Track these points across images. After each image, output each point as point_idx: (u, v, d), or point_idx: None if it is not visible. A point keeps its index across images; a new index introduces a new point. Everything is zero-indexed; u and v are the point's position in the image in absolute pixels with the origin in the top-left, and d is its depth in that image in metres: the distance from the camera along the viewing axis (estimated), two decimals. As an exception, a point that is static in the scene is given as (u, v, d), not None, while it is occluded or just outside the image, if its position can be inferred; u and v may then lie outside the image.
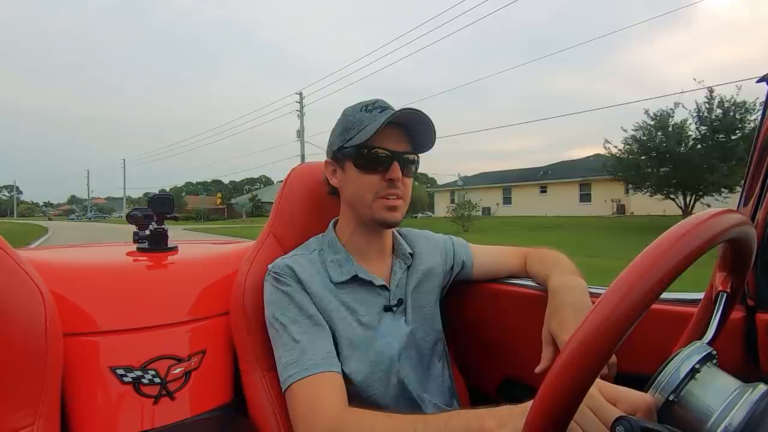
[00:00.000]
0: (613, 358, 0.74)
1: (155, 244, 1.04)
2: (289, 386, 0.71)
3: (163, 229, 1.05)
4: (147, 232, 1.05)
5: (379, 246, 0.88)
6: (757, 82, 0.65)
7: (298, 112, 28.03)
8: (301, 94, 28.36)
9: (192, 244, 1.24)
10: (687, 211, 15.59)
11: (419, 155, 0.85)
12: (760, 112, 0.69)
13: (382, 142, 0.78)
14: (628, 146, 16.39)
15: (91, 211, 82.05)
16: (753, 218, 0.68)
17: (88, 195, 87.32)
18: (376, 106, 0.81)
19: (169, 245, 1.06)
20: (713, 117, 14.33)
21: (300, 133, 27.36)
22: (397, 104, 0.83)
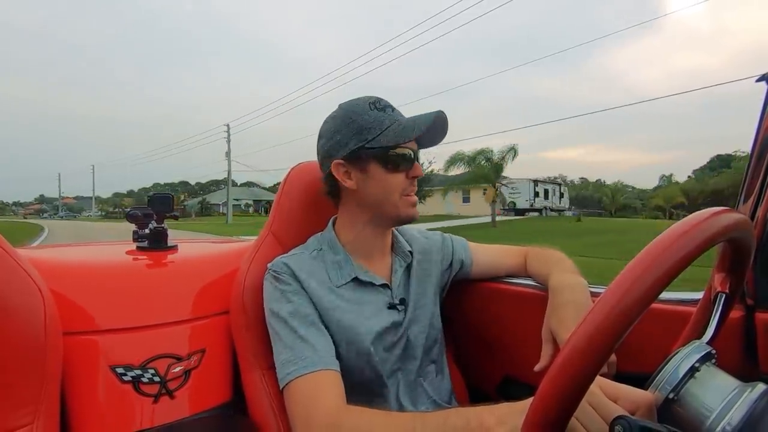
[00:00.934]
0: (613, 357, 0.74)
1: (155, 242, 1.04)
2: (287, 384, 0.71)
3: (162, 227, 1.05)
4: (147, 231, 1.05)
5: (382, 245, 0.88)
6: (757, 81, 0.65)
7: (226, 140, 36.62)
8: (228, 125, 36.99)
9: (192, 243, 1.24)
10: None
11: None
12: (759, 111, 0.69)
13: (407, 144, 0.80)
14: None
15: (62, 211, 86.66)
16: (752, 217, 0.68)
17: (59, 195, 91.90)
18: (384, 105, 0.81)
19: (169, 244, 1.06)
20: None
21: (227, 154, 36.24)
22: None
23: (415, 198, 0.83)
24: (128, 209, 1.08)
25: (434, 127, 0.80)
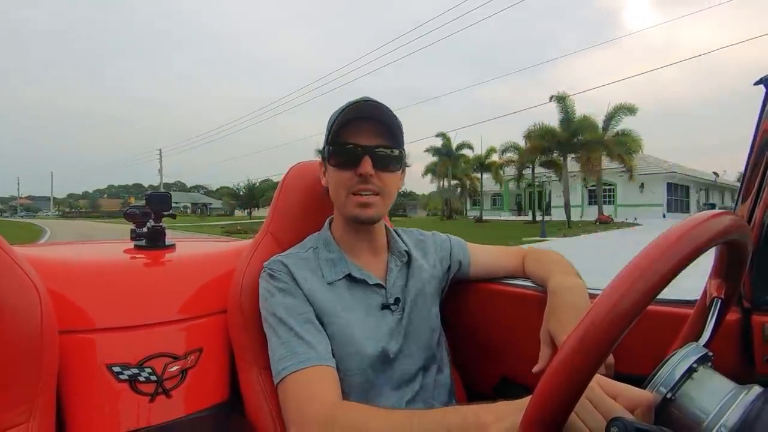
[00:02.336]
0: (611, 359, 0.74)
1: (152, 241, 1.03)
2: (282, 379, 0.71)
3: (160, 226, 1.04)
4: (144, 229, 1.04)
5: (369, 243, 0.87)
6: (755, 84, 0.65)
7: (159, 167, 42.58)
8: (160, 150, 42.47)
9: (189, 242, 1.24)
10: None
11: (401, 148, 0.82)
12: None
13: (353, 138, 0.78)
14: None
15: (20, 211, 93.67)
16: (749, 219, 0.69)
17: (18, 195, 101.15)
18: (352, 102, 0.80)
19: (167, 243, 1.05)
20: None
21: (160, 171, 41.82)
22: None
23: (366, 198, 0.78)
24: (127, 209, 1.07)
25: (362, 116, 0.78)
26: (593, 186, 22.48)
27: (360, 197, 0.79)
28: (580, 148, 18.65)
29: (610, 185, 24.46)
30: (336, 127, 0.78)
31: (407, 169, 0.88)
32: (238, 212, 47.62)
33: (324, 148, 0.83)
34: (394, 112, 0.80)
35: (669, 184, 23.01)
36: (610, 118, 18.48)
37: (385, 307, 0.84)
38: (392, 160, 0.81)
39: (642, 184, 22.96)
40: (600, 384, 0.47)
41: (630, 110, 17.55)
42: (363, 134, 0.78)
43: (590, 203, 24.64)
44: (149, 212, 1.05)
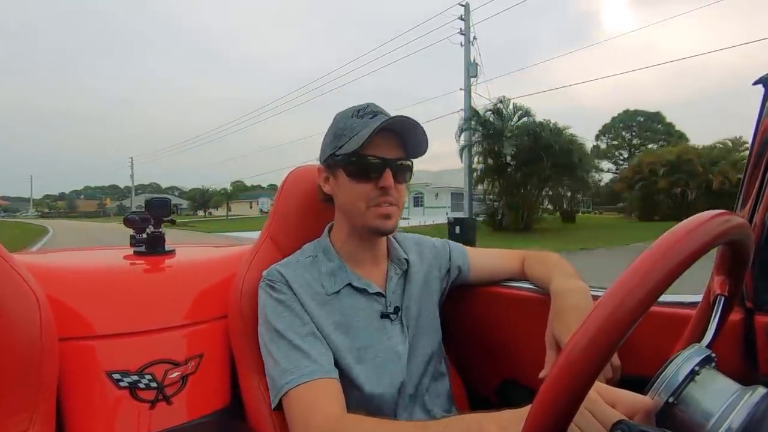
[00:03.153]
0: (617, 361, 0.74)
1: (152, 247, 1.03)
2: (285, 393, 0.71)
3: (160, 232, 1.04)
4: (144, 235, 1.04)
5: (372, 253, 0.87)
6: (754, 84, 0.65)
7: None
8: (132, 159, 45.79)
9: (189, 248, 1.24)
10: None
11: (413, 160, 0.83)
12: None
13: (374, 150, 0.77)
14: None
15: (1, 212, 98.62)
16: (750, 220, 0.68)
17: None
18: (368, 111, 0.80)
19: (166, 249, 1.05)
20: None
21: (131, 176, 44.17)
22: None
23: (388, 209, 0.79)
24: (127, 214, 1.07)
25: (407, 133, 0.78)
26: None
27: (381, 209, 0.78)
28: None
29: (420, 193, 36.06)
30: (361, 138, 0.76)
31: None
32: (200, 212, 59.20)
33: (333, 155, 0.80)
34: (420, 125, 0.79)
35: (452, 194, 33.69)
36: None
37: (385, 316, 0.84)
38: (407, 172, 0.82)
39: (437, 194, 34.98)
40: (599, 391, 0.47)
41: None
42: (386, 146, 0.78)
43: (415, 206, 36.07)
44: (148, 218, 1.04)
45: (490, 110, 16.21)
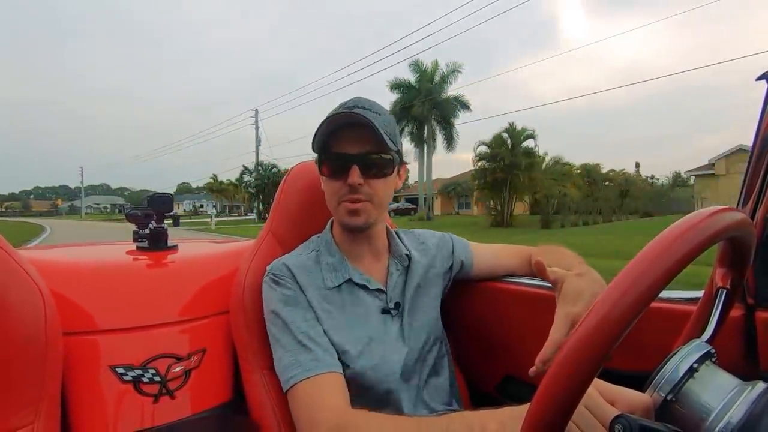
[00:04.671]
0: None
1: (155, 243, 1.04)
2: (290, 387, 0.72)
3: (162, 228, 1.04)
4: (147, 231, 1.05)
5: (369, 247, 0.87)
6: (757, 79, 0.65)
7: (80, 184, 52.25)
8: (82, 168, 50.57)
9: (192, 243, 1.24)
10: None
11: (390, 150, 0.78)
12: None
13: (341, 146, 0.76)
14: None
15: None
16: (752, 216, 0.68)
17: None
18: (346, 106, 0.78)
19: (169, 244, 1.06)
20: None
21: (81, 183, 46.97)
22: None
23: (355, 206, 0.78)
24: (127, 209, 1.07)
25: (349, 123, 0.76)
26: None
27: (349, 205, 0.78)
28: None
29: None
30: (323, 136, 0.76)
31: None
32: None
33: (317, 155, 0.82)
34: (385, 111, 0.79)
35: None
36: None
37: (386, 311, 0.84)
38: (381, 166, 0.79)
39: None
40: (598, 389, 0.47)
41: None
42: (349, 142, 0.77)
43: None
44: (151, 214, 1.05)
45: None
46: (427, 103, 21.93)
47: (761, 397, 0.40)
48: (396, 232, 0.95)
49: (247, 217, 38.97)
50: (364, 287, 0.84)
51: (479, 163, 20.98)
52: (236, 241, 1.23)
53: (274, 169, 31.35)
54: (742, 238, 0.48)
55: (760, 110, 0.67)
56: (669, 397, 0.44)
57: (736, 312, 0.70)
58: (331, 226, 0.90)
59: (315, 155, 0.84)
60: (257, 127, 33.66)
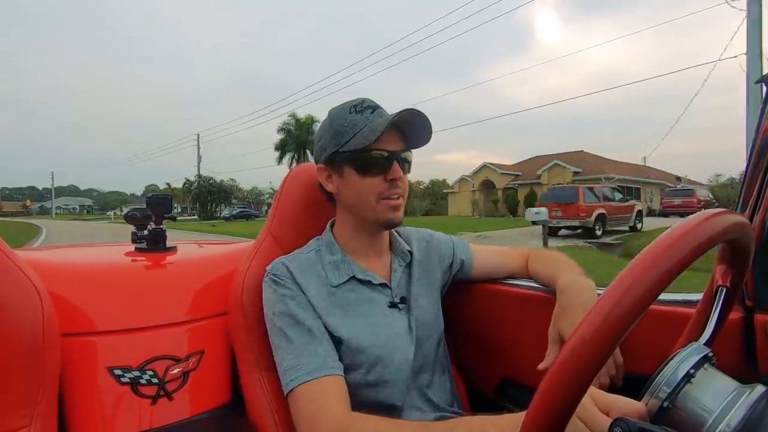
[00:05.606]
0: (620, 358, 0.74)
1: (153, 244, 1.03)
2: (291, 390, 0.71)
3: (161, 229, 1.04)
4: (145, 232, 1.04)
5: (378, 246, 0.88)
6: (756, 83, 0.65)
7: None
8: (52, 173, 55.26)
9: (190, 245, 1.24)
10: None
11: (412, 151, 0.84)
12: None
13: (381, 144, 0.77)
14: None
15: None
16: (751, 219, 0.68)
17: None
18: (365, 106, 0.80)
19: (168, 245, 1.05)
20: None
21: (52, 186, 50.30)
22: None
23: (397, 201, 0.80)
24: (127, 211, 1.07)
25: (409, 126, 0.79)
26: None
27: (392, 201, 0.79)
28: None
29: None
30: (368, 133, 0.76)
31: None
32: (109, 213, 70.25)
33: (336, 152, 0.80)
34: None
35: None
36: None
37: (393, 305, 0.84)
38: (408, 163, 0.83)
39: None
40: (593, 397, 0.47)
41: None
42: (390, 139, 0.79)
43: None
44: (150, 215, 1.04)
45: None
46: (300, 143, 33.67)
47: (760, 401, 0.40)
48: (396, 230, 0.95)
49: (191, 217, 48.37)
50: (369, 282, 0.84)
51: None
52: (235, 242, 1.23)
53: (211, 180, 41.50)
54: (741, 241, 0.48)
55: (759, 113, 0.67)
56: (666, 404, 0.44)
57: (734, 315, 0.70)
58: (332, 227, 0.90)
59: (322, 155, 0.84)
60: (198, 147, 44.87)
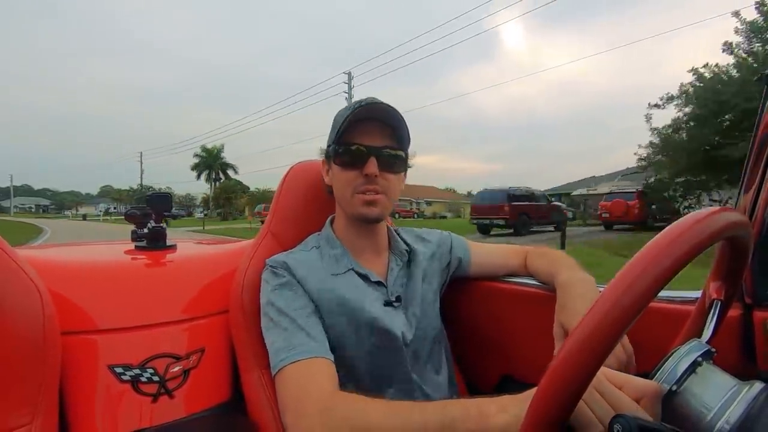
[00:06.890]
0: (630, 348, 0.74)
1: (153, 242, 1.03)
2: (279, 370, 0.71)
3: (161, 227, 1.04)
4: (145, 230, 1.04)
5: (372, 242, 0.88)
6: (756, 80, 0.65)
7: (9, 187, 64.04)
8: (11, 176, 58.34)
9: (190, 243, 1.24)
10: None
11: (406, 150, 0.85)
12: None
13: (359, 138, 0.79)
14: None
15: None
16: (751, 214, 0.68)
17: None
18: (363, 103, 0.81)
19: (168, 243, 1.05)
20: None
21: (11, 181, 56.70)
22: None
23: (372, 197, 0.80)
24: (127, 209, 1.07)
25: (370, 117, 0.79)
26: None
27: (365, 196, 0.80)
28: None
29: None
30: (344, 127, 0.79)
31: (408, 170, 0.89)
32: (66, 212, 75.39)
33: (329, 147, 0.84)
34: (402, 115, 0.81)
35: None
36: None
37: (388, 304, 0.85)
38: (397, 162, 0.83)
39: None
40: (606, 375, 0.48)
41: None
42: (370, 135, 0.80)
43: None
44: (150, 213, 1.04)
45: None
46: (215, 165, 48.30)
47: (758, 397, 0.40)
48: (396, 230, 0.95)
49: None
50: (366, 278, 0.85)
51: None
52: (235, 241, 1.23)
53: (150, 188, 47.18)
54: (740, 239, 0.48)
55: (759, 110, 0.67)
56: (674, 388, 0.44)
57: (734, 312, 0.70)
58: (331, 223, 0.90)
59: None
60: (141, 162, 53.92)
